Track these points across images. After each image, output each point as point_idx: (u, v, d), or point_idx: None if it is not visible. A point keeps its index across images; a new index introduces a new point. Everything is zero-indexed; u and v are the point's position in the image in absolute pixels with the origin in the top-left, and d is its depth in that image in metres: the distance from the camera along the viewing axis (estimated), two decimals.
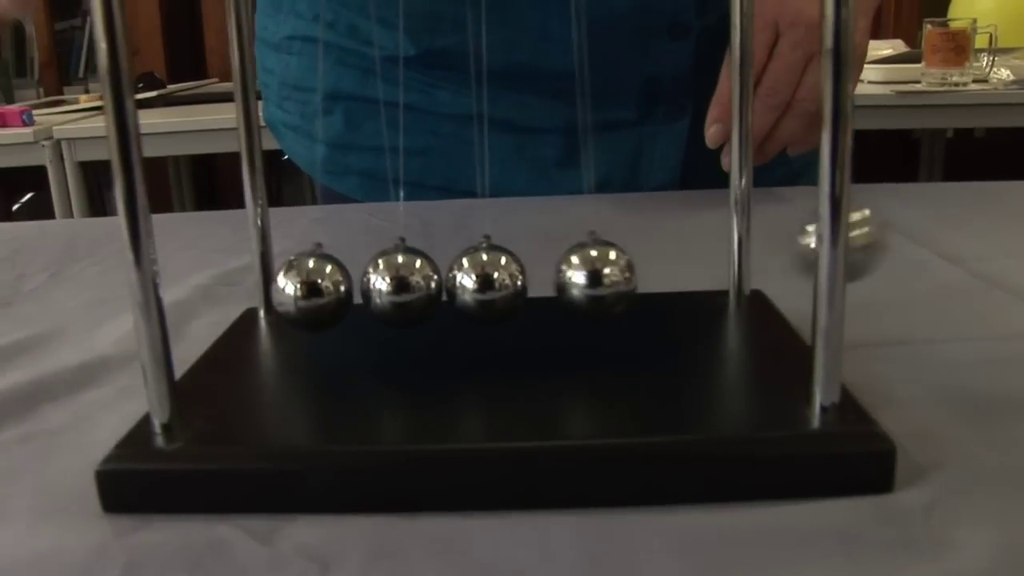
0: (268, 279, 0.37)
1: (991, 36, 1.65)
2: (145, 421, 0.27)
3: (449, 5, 0.63)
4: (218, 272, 0.52)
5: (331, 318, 0.29)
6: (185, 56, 2.63)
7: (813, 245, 0.26)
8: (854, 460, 0.24)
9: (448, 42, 0.65)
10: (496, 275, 0.29)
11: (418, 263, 0.29)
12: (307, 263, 0.30)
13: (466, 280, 0.29)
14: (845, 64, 0.24)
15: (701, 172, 0.64)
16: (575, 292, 0.28)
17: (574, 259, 0.29)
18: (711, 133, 0.60)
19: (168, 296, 0.47)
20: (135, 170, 0.25)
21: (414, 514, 0.24)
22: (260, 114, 0.42)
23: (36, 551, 0.24)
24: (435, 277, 0.29)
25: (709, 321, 0.33)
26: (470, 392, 0.28)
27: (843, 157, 0.24)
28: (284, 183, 2.51)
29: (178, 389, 0.27)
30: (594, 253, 0.28)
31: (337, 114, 0.69)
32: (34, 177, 1.82)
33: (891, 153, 2.31)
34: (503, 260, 0.29)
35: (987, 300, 0.41)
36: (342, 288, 0.29)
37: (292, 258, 0.30)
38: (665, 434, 0.25)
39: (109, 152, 0.25)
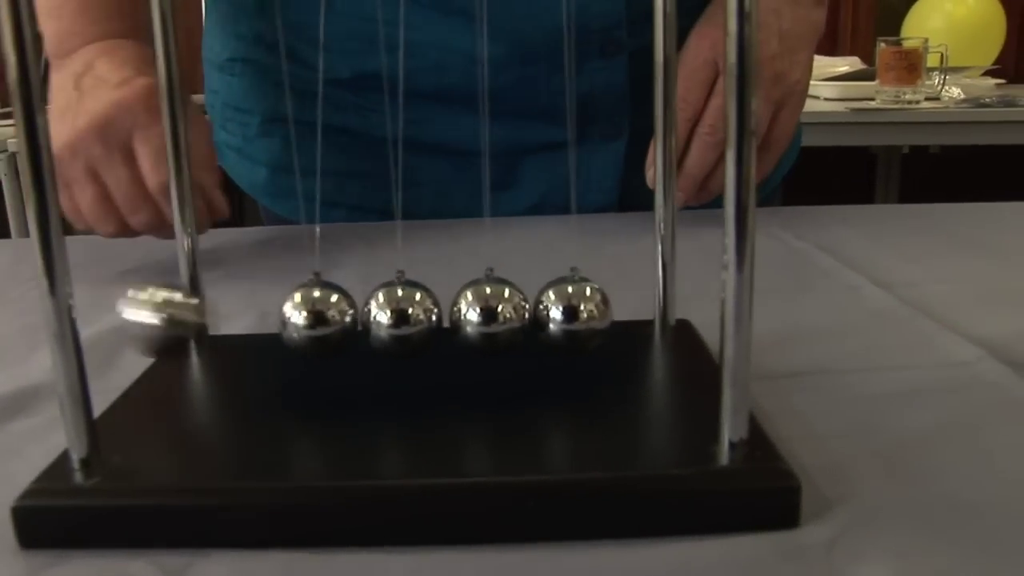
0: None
1: (942, 55, 1.69)
2: (64, 456, 0.27)
3: (379, 28, 0.63)
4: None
5: (256, 348, 0.30)
6: None
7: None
8: (760, 496, 0.25)
9: (379, 64, 0.65)
10: (411, 311, 0.29)
11: (334, 298, 0.29)
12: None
13: (381, 316, 0.29)
14: (749, 81, 0.24)
15: (640, 194, 0.64)
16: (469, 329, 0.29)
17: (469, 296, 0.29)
18: (651, 175, 0.60)
19: (104, 323, 0.46)
20: (48, 191, 0.25)
21: (330, 549, 0.25)
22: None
23: None
24: (350, 311, 0.30)
25: (632, 352, 0.34)
26: (384, 426, 0.28)
27: (748, 178, 0.24)
28: (247, 202, 2.49)
29: (101, 422, 0.27)
30: (488, 290, 0.29)
31: (276, 136, 0.70)
32: None
33: (848, 170, 2.35)
34: (417, 296, 0.29)
35: (913, 328, 0.42)
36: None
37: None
38: (576, 471, 0.25)
39: (20, 172, 0.25)
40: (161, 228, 0.56)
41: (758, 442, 0.26)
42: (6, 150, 1.69)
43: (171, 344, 0.30)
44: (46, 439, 0.34)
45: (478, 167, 0.68)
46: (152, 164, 0.54)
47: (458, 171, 0.68)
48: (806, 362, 0.37)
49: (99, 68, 0.58)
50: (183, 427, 0.30)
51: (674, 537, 0.24)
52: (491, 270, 0.29)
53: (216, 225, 0.58)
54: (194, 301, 0.30)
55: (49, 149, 0.25)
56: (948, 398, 0.33)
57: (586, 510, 0.24)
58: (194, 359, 0.36)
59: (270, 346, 0.30)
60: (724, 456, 0.26)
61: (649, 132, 0.64)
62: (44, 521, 0.26)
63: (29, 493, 0.26)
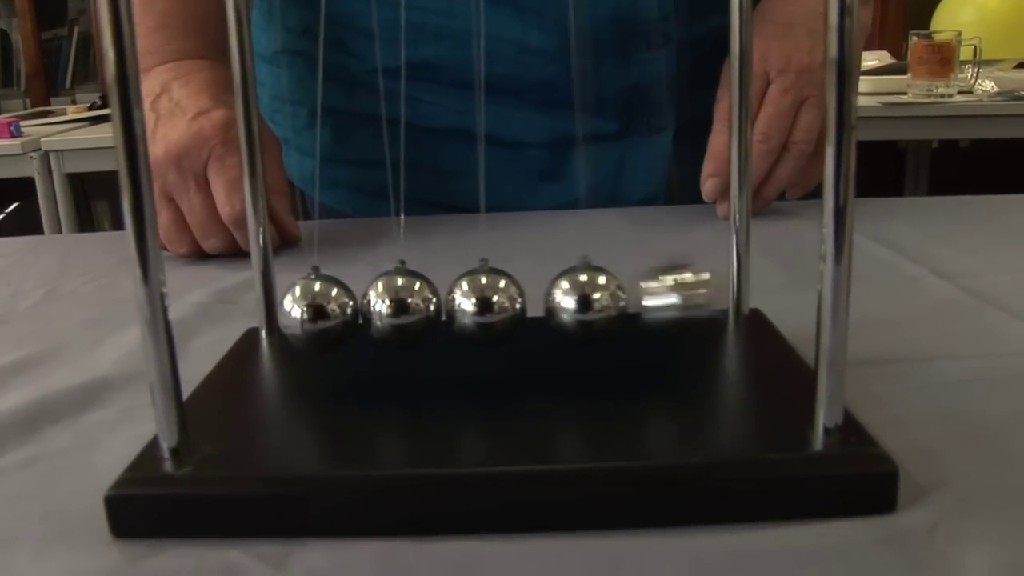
0: (270, 299, 0.37)
1: (976, 48, 1.67)
2: (152, 445, 0.27)
3: (429, 16, 0.64)
4: (215, 290, 0.52)
5: (337, 341, 0.30)
6: None
7: (645, 302, 0.28)
8: (858, 481, 0.25)
9: (429, 53, 0.65)
10: (496, 298, 0.29)
11: (417, 285, 0.30)
12: (313, 287, 0.30)
13: (465, 303, 0.29)
14: (850, 76, 0.24)
15: (687, 186, 0.64)
16: (565, 317, 0.29)
17: (564, 284, 0.29)
18: (708, 187, 0.60)
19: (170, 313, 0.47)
20: (143, 183, 0.25)
21: (425, 536, 0.25)
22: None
23: None
24: (434, 299, 0.30)
25: (710, 342, 0.33)
26: (474, 414, 0.28)
27: (847, 172, 0.24)
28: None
29: (184, 412, 0.27)
30: (583, 278, 0.29)
31: (325, 127, 0.71)
32: (19, 188, 1.81)
33: (878, 164, 2.33)
34: (501, 283, 0.29)
35: (980, 317, 0.41)
36: (348, 311, 0.30)
37: (296, 282, 0.30)
38: (672, 457, 0.25)
39: (117, 164, 0.25)
40: (234, 251, 0.58)
41: (852, 428, 0.26)
42: (39, 149, 1.71)
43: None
44: (122, 430, 0.34)
45: (527, 158, 0.68)
46: (226, 195, 0.56)
47: (506, 162, 0.68)
48: (880, 351, 0.36)
49: (176, 93, 0.59)
50: (265, 415, 0.30)
51: (772, 522, 0.24)
52: (587, 257, 0.29)
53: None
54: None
55: (144, 141, 0.25)
56: None
57: (685, 496, 0.24)
58: (266, 348, 0.36)
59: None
60: (819, 441, 0.25)
61: (696, 125, 0.65)
62: (137, 511, 0.26)
63: (121, 482, 0.26)
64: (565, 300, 0.29)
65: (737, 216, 0.35)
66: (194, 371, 0.36)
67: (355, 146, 0.70)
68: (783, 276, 0.48)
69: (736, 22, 0.33)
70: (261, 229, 0.37)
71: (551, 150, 0.67)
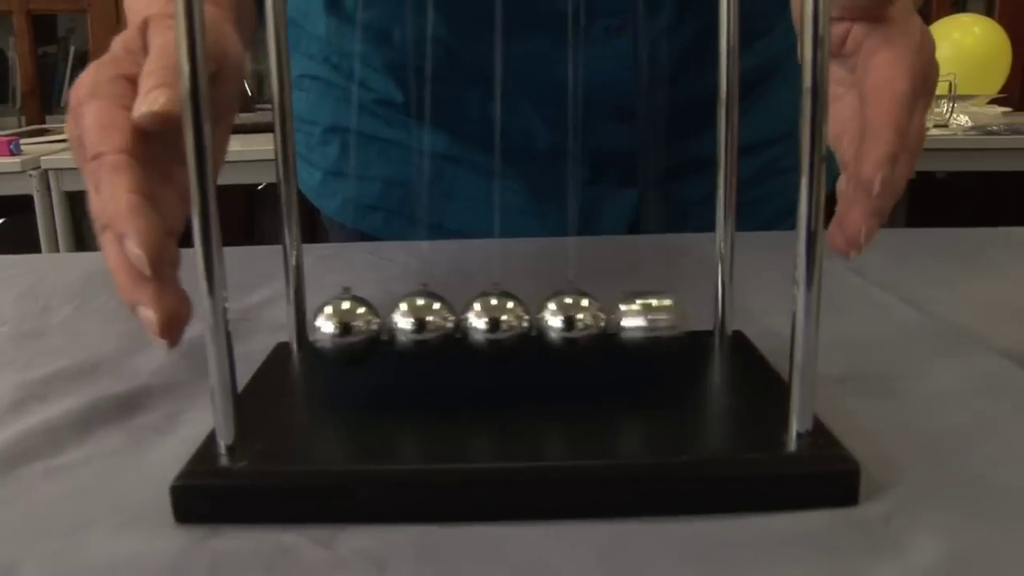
0: (301, 316, 0.41)
1: (951, 84, 1.73)
2: (209, 442, 0.31)
3: (431, 62, 0.69)
4: (237, 308, 0.56)
5: (364, 353, 0.34)
6: None
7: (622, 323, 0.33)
8: (825, 478, 0.29)
9: (431, 93, 0.71)
10: (505, 317, 0.33)
11: (436, 306, 0.34)
12: (341, 305, 0.34)
13: (477, 322, 0.33)
14: (822, 105, 0.28)
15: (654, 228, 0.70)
16: (553, 335, 0.33)
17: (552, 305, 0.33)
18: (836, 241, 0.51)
19: (194, 330, 0.50)
20: (210, 198, 0.28)
21: (448, 523, 0.28)
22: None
23: (124, 554, 0.28)
24: (451, 318, 0.34)
25: (698, 359, 0.38)
26: (486, 418, 0.32)
27: (818, 200, 0.28)
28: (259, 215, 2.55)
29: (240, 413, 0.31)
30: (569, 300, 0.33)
31: (334, 144, 0.76)
32: (10, 204, 1.83)
33: None
34: (510, 304, 0.33)
35: (941, 341, 0.45)
36: (374, 327, 0.34)
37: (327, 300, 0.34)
38: (666, 455, 0.29)
39: (188, 180, 0.28)
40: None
41: (820, 432, 0.30)
42: (39, 167, 1.74)
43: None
44: (169, 431, 0.37)
45: (509, 191, 0.73)
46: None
47: (489, 193, 0.73)
48: (848, 369, 0.40)
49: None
50: (305, 418, 0.34)
51: (753, 513, 0.28)
52: (571, 282, 0.33)
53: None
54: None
55: (213, 157, 0.28)
56: (980, 400, 0.37)
57: (677, 488, 0.28)
58: (297, 361, 0.40)
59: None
60: (792, 443, 0.29)
61: (659, 179, 0.71)
62: (199, 499, 0.29)
63: (185, 474, 0.30)
64: (552, 320, 0.33)
65: (722, 246, 0.39)
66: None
67: (358, 162, 0.75)
68: (764, 300, 0.53)
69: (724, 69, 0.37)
70: (295, 252, 0.41)
71: (530, 187, 0.73)
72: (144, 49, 0.39)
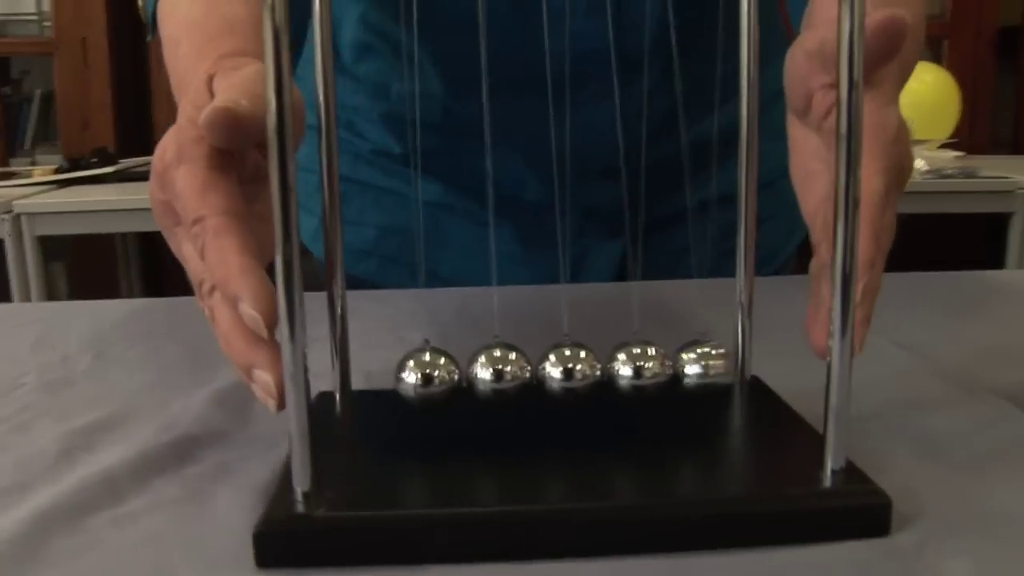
0: (345, 365, 0.43)
1: (909, 129, 1.81)
2: (283, 489, 0.33)
3: (426, 116, 0.72)
4: None
5: (445, 402, 0.36)
6: (134, 130, 2.66)
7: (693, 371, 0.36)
8: (860, 511, 0.32)
9: (427, 145, 0.74)
10: (579, 367, 0.36)
11: (512, 355, 0.36)
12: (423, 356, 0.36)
13: (553, 371, 0.36)
14: (855, 152, 0.30)
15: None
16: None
17: (620, 355, 0.36)
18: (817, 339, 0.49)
19: (224, 379, 0.52)
20: (294, 241, 0.30)
21: (520, 561, 0.31)
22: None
23: None
24: (529, 367, 0.36)
25: (721, 404, 0.40)
26: (541, 461, 0.35)
27: (852, 251, 0.30)
28: None
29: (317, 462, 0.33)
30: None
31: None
32: None
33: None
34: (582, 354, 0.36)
35: (938, 382, 0.49)
36: (455, 377, 0.36)
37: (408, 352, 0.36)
38: (716, 493, 0.32)
39: (273, 222, 0.29)
40: None
41: (851, 469, 0.33)
42: (11, 211, 1.73)
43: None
44: (224, 481, 0.39)
45: (499, 238, 0.76)
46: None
47: (480, 240, 0.76)
48: (856, 410, 0.44)
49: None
50: (365, 463, 0.36)
51: (796, 544, 0.31)
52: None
53: None
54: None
55: (296, 205, 0.30)
56: (983, 437, 0.40)
57: (729, 524, 0.31)
58: (340, 408, 0.42)
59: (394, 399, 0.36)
60: (828, 480, 0.32)
61: (643, 232, 0.74)
62: (281, 545, 0.31)
63: (266, 521, 0.31)
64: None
65: (743, 295, 0.42)
66: (264, 430, 0.42)
67: (350, 209, 0.77)
68: (773, 345, 0.56)
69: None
70: (340, 302, 0.43)
71: (521, 236, 0.76)
72: None
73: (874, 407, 0.45)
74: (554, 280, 0.76)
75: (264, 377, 0.34)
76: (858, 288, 0.35)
